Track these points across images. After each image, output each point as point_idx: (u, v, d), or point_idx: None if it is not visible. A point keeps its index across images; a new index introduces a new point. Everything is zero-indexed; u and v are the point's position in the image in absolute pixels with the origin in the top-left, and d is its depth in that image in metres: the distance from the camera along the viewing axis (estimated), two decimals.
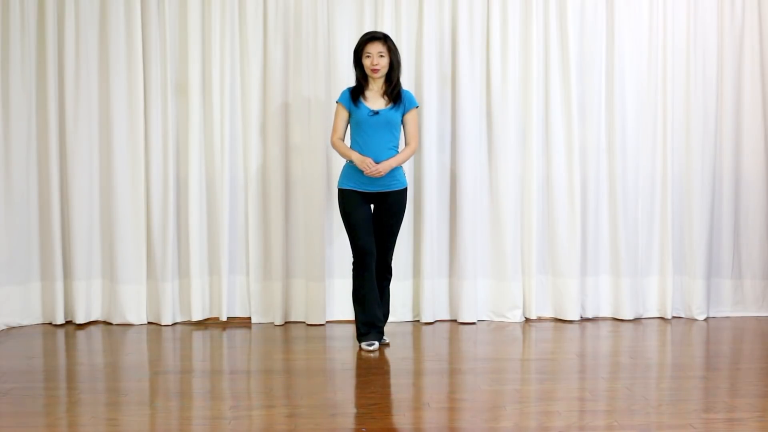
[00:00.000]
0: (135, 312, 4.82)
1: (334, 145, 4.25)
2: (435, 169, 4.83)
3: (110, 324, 4.83)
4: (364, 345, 4.18)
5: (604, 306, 4.99)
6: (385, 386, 3.56)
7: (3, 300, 4.68)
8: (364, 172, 4.08)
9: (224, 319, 4.84)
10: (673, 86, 4.90)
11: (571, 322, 4.87)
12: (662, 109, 4.91)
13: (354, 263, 4.21)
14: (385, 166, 4.09)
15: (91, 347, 4.39)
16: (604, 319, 4.96)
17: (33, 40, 4.74)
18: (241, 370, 3.89)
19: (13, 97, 4.70)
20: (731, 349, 4.30)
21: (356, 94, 4.18)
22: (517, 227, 4.89)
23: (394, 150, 4.18)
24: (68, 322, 4.83)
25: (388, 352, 4.16)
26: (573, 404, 3.24)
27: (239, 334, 4.63)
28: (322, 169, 4.76)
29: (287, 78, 4.80)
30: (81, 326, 4.78)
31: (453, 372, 3.80)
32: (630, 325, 4.79)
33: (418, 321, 4.90)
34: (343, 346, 4.32)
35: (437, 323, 4.86)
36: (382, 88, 4.19)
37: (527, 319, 4.93)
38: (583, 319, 4.93)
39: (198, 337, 4.58)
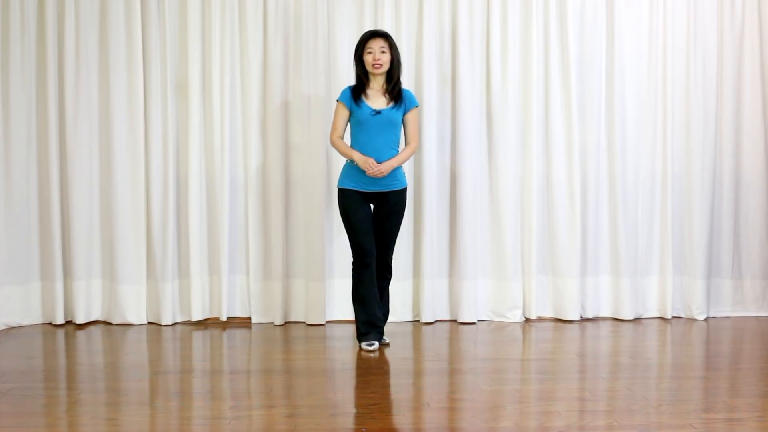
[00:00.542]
0: (135, 312, 4.82)
1: (333, 144, 4.24)
2: (435, 169, 4.83)
3: (110, 324, 4.84)
4: (364, 345, 4.18)
5: (604, 306, 4.99)
6: (385, 386, 3.56)
7: (3, 300, 4.69)
8: (366, 172, 4.08)
9: (224, 319, 4.84)
10: (673, 86, 4.90)
11: (571, 322, 4.87)
12: (662, 110, 4.91)
13: (354, 263, 4.21)
14: (386, 166, 4.09)
15: (91, 347, 4.38)
16: (604, 319, 4.96)
17: (33, 40, 4.74)
18: (241, 370, 3.89)
19: (13, 97, 4.70)
20: (731, 349, 4.30)
21: (357, 92, 4.18)
22: (517, 227, 4.89)
23: (395, 149, 4.18)
24: (68, 322, 4.83)
25: (388, 352, 4.16)
26: (573, 404, 3.24)
27: (239, 334, 4.63)
28: (322, 168, 4.76)
29: (287, 77, 4.80)
30: (81, 326, 4.78)
31: (453, 372, 3.80)
32: (630, 325, 4.79)
33: (418, 321, 4.90)
34: (343, 346, 4.32)
35: (437, 323, 4.86)
36: (382, 86, 4.19)
37: (527, 319, 4.94)
38: (583, 319, 4.94)
39: (198, 337, 4.58)
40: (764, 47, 4.95)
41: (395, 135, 4.19)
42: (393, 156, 4.14)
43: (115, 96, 4.75)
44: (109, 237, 4.81)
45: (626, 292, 4.90)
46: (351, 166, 4.17)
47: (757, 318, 4.99)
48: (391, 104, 4.17)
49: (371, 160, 4.07)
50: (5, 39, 4.69)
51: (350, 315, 4.69)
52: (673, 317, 4.97)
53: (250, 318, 4.91)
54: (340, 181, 4.23)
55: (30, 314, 4.81)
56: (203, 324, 4.85)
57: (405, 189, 4.26)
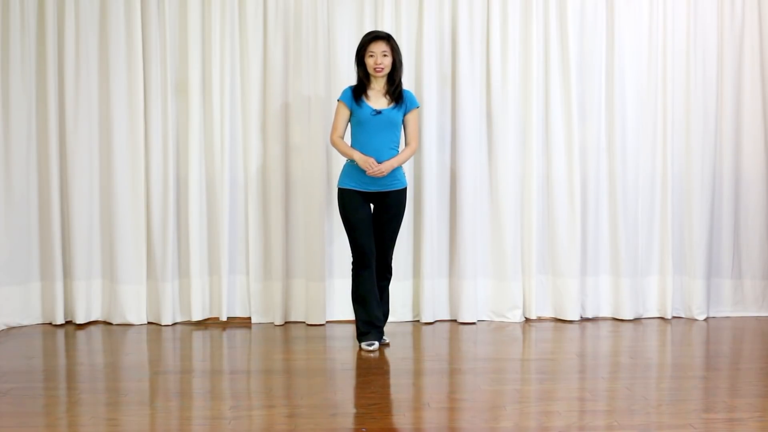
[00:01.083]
0: (135, 312, 4.82)
1: (334, 144, 4.24)
2: (435, 169, 4.83)
3: (110, 324, 4.84)
4: (364, 345, 4.18)
5: (604, 306, 4.99)
6: (385, 386, 3.56)
7: (3, 300, 4.69)
8: (367, 172, 4.08)
9: (224, 319, 4.84)
10: (673, 86, 4.90)
11: (571, 322, 4.87)
12: (662, 109, 4.91)
13: (354, 263, 4.21)
14: (387, 166, 4.09)
15: (91, 347, 4.38)
16: (604, 319, 4.96)
17: (33, 40, 4.74)
18: (241, 370, 3.89)
19: (13, 97, 4.70)
20: (731, 349, 4.30)
21: (358, 93, 4.18)
22: (517, 227, 4.89)
23: (396, 150, 4.19)
24: (68, 322, 4.83)
25: (388, 352, 4.16)
26: (573, 404, 3.24)
27: (239, 334, 4.63)
28: (323, 168, 4.76)
29: (287, 78, 4.80)
30: (81, 326, 4.78)
31: (453, 372, 3.81)
32: (630, 325, 4.79)
33: (418, 321, 4.90)
34: (343, 346, 4.32)
35: (437, 323, 4.86)
36: (384, 87, 4.19)
37: (527, 319, 4.94)
38: (583, 319, 4.94)
39: (198, 337, 4.58)
40: (764, 47, 4.95)
41: (395, 135, 4.19)
42: (393, 156, 4.14)
43: (115, 96, 4.75)
44: (109, 237, 4.81)
45: (626, 292, 4.90)
46: (351, 166, 4.17)
47: (757, 318, 4.99)
48: (392, 105, 4.17)
49: (371, 160, 4.07)
50: (5, 39, 4.69)
51: (350, 315, 4.69)
52: (673, 317, 4.97)
53: (250, 318, 4.91)
54: (340, 181, 4.23)
55: (30, 314, 4.81)
56: (203, 324, 4.85)
57: (405, 189, 4.27)
